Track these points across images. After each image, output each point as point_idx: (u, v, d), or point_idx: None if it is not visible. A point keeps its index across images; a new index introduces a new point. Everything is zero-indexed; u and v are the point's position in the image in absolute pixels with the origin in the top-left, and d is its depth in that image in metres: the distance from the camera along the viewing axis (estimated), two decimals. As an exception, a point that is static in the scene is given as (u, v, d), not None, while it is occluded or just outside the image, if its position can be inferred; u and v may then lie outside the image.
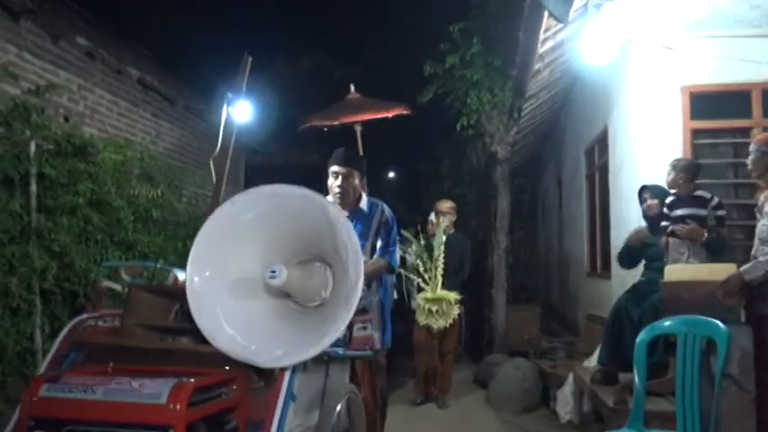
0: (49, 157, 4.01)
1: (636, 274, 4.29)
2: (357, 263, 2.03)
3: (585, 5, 4.26)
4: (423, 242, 5.25)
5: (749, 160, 3.42)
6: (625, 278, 4.58)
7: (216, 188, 3.41)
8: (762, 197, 3.42)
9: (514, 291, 9.93)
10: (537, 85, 6.25)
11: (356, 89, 6.29)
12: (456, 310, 5.07)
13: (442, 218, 5.57)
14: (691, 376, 2.55)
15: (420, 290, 5.21)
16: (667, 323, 2.72)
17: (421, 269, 5.11)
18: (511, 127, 6.71)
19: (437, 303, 4.98)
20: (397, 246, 3.28)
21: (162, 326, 2.31)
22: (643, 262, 4.22)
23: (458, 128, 6.79)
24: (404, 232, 5.10)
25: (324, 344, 1.94)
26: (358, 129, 5.99)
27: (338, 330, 1.98)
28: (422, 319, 5.05)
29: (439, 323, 4.98)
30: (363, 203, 3.26)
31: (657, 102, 4.71)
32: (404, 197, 12.66)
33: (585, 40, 3.98)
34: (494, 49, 6.51)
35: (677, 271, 3.57)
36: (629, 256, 4.28)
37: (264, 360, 1.97)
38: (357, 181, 3.22)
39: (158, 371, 1.96)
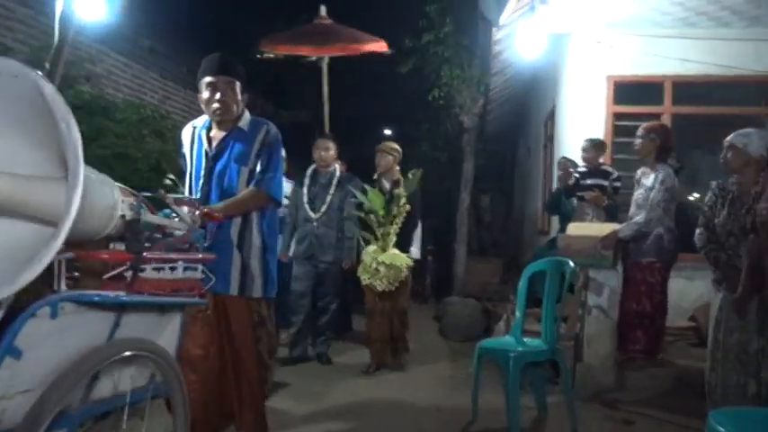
0: (79, 116, 4.93)
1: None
2: (76, 166, 1.46)
3: (531, 5, 5.10)
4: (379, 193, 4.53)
5: (637, 143, 4.32)
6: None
7: None
8: (639, 172, 4.37)
9: (485, 246, 11.02)
10: (501, 64, 7.07)
11: (328, 13, 5.50)
12: (404, 273, 4.47)
13: (383, 158, 4.83)
14: (551, 299, 3.53)
15: (367, 243, 4.60)
16: (540, 263, 3.71)
17: (373, 222, 4.45)
18: (478, 99, 7.56)
19: (385, 264, 4.36)
20: (280, 173, 2.79)
21: None
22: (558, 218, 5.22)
23: (430, 98, 7.65)
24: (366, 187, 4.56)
25: (19, 283, 1.42)
26: (324, 64, 5.31)
27: (40, 264, 1.41)
28: (365, 277, 4.43)
29: (383, 284, 4.37)
30: (244, 122, 2.74)
31: (587, 88, 5.60)
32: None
33: (519, 37, 4.83)
34: (464, 29, 7.30)
35: (575, 228, 4.55)
36: (556, 201, 5.26)
37: None
38: (239, 94, 2.70)
39: None
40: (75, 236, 1.66)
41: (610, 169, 4.91)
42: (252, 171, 2.68)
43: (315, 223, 4.68)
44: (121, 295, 1.79)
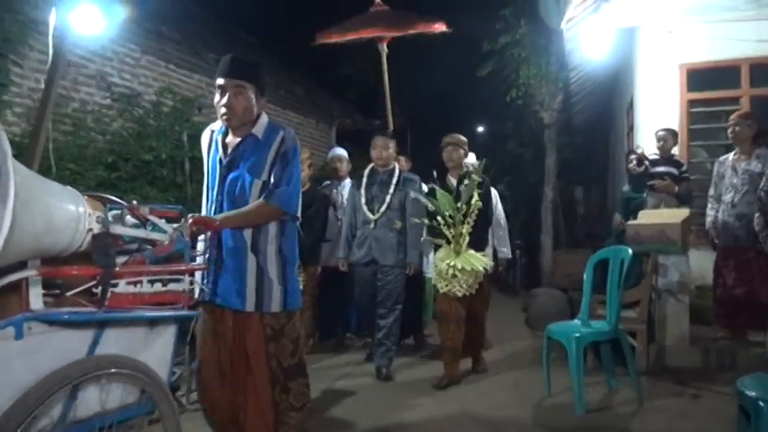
0: (195, 143, 5.76)
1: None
2: (7, 179, 1.43)
3: (596, 5, 5.27)
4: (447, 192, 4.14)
5: (734, 131, 4.35)
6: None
7: (39, 112, 3.03)
8: (731, 157, 4.44)
9: (578, 237, 11.01)
10: (575, 60, 7.20)
11: None
12: (481, 275, 4.09)
13: (455, 152, 4.34)
14: (613, 284, 3.78)
15: (437, 248, 4.23)
16: (602, 252, 3.97)
17: (442, 224, 4.04)
18: (556, 95, 7.72)
19: (461, 267, 3.97)
20: (295, 185, 2.50)
21: None
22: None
23: (508, 99, 7.91)
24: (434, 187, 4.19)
25: None
26: (383, 50, 5.06)
27: None
28: (442, 285, 4.08)
29: (463, 290, 4.02)
30: (259, 129, 2.49)
31: (660, 77, 5.67)
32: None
33: (584, 36, 5.02)
34: (540, 29, 7.49)
35: (644, 215, 4.71)
36: (625, 203, 5.41)
37: None
38: (252, 98, 2.47)
39: None
40: (37, 252, 1.67)
41: (681, 160, 5.02)
42: (265, 183, 2.45)
43: (372, 225, 4.37)
44: (93, 312, 1.72)
